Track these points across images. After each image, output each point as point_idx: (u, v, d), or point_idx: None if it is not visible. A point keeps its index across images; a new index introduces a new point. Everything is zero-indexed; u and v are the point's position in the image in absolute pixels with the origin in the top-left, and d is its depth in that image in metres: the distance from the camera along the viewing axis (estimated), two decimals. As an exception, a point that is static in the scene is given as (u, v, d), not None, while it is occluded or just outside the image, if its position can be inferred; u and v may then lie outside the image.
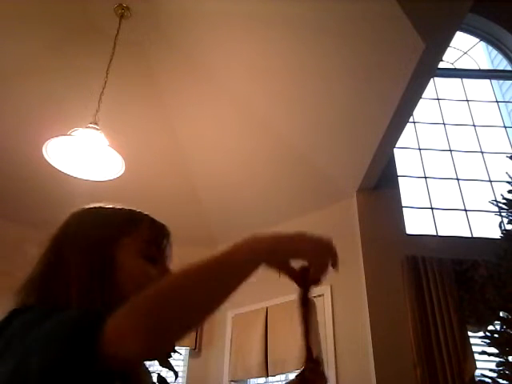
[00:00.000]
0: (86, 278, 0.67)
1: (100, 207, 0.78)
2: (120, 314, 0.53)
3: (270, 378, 3.48)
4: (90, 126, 2.54)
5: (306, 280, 0.65)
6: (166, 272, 0.72)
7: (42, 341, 0.53)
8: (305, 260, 0.63)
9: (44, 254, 0.72)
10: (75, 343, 0.51)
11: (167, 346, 0.58)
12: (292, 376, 3.14)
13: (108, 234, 0.71)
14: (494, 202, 3.17)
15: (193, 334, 3.83)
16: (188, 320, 0.56)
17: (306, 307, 0.66)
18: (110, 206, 0.79)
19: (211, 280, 0.56)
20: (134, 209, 0.79)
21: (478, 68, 4.71)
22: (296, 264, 0.65)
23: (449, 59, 4.65)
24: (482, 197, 3.80)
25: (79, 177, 2.68)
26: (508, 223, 3.07)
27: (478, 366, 2.91)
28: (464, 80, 4.62)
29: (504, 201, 3.11)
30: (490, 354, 2.74)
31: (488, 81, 4.65)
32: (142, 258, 0.70)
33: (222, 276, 0.58)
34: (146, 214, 0.77)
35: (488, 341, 2.76)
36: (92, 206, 0.79)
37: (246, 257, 0.59)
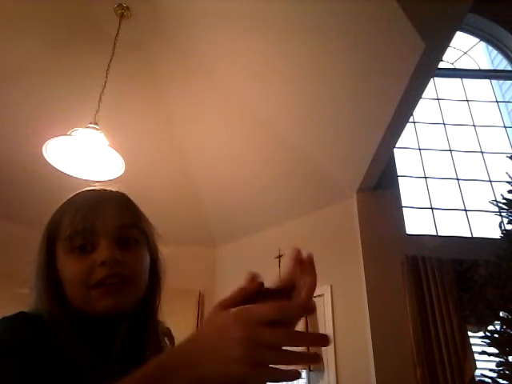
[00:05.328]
0: (39, 286, 0.69)
1: (60, 205, 0.75)
2: None
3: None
4: (90, 126, 2.54)
5: None
6: (102, 250, 0.67)
7: None
8: None
9: None
10: None
11: None
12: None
13: (47, 245, 0.71)
14: (494, 202, 3.17)
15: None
16: None
17: None
18: (67, 201, 0.76)
19: None
20: (63, 204, 0.75)
21: (478, 68, 4.71)
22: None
23: (449, 59, 4.65)
24: (482, 197, 3.80)
25: (79, 177, 2.67)
26: (508, 223, 3.07)
27: (478, 365, 2.91)
28: (464, 80, 4.62)
29: (504, 201, 3.11)
30: (490, 354, 2.74)
31: (488, 81, 4.65)
32: (70, 253, 0.68)
33: None
34: (68, 211, 0.72)
35: (488, 341, 2.75)
36: (67, 198, 0.77)
37: None
